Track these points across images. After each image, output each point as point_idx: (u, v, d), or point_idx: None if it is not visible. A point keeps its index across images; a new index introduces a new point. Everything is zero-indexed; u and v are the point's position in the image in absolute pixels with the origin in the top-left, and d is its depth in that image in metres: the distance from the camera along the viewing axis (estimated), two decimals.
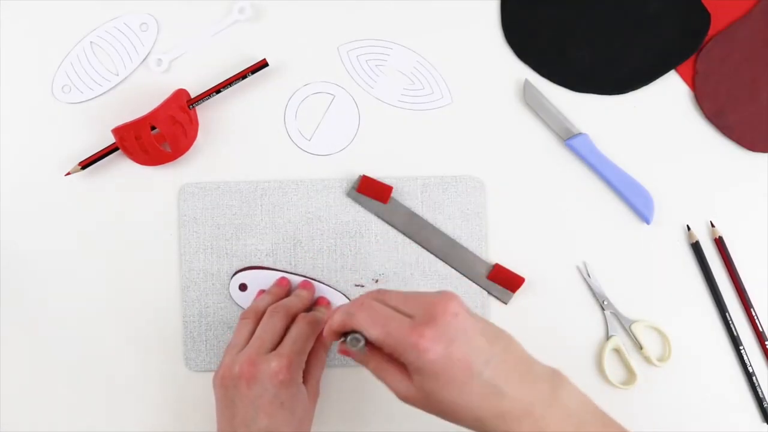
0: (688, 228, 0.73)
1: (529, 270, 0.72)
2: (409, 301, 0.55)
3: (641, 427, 0.71)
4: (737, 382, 0.72)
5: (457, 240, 0.72)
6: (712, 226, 0.73)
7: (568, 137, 0.73)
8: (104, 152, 0.70)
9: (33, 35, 0.72)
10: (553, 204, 0.73)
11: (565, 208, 0.73)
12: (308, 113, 0.73)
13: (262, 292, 0.70)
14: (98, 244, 0.71)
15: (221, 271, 0.71)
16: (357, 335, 0.55)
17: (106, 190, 0.72)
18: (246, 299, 0.70)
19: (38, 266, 0.71)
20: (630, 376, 0.72)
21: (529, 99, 0.73)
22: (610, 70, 0.74)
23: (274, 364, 0.61)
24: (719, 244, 0.73)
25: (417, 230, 0.72)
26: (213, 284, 0.71)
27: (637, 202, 0.72)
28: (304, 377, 0.64)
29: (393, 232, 0.72)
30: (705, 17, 0.73)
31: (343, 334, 0.56)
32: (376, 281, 0.71)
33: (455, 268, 0.72)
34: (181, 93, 0.70)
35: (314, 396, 0.65)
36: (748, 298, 0.72)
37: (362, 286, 0.71)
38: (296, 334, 0.63)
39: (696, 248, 0.72)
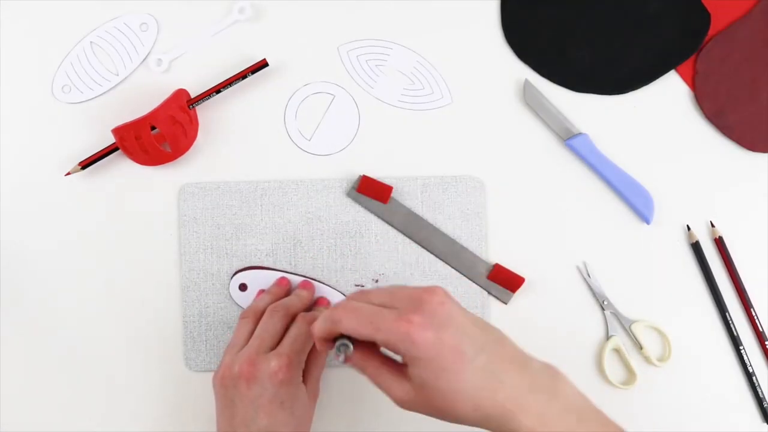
0: (688, 228, 0.73)
1: (529, 270, 0.72)
2: (393, 296, 0.54)
3: (641, 427, 0.71)
4: (737, 382, 0.72)
5: (457, 240, 0.72)
6: (712, 226, 0.73)
7: (568, 137, 0.73)
8: (104, 152, 0.70)
9: (33, 35, 0.72)
10: (553, 204, 0.73)
11: (565, 208, 0.73)
12: (308, 113, 0.73)
13: (261, 292, 0.70)
14: (98, 244, 0.71)
15: (221, 271, 0.71)
16: (344, 341, 0.54)
17: (106, 190, 0.72)
18: (246, 299, 0.70)
19: (38, 266, 0.71)
20: (630, 376, 0.72)
21: (529, 99, 0.73)
22: (610, 70, 0.74)
23: (274, 363, 0.61)
24: (719, 244, 0.73)
25: (417, 230, 0.72)
26: (213, 284, 0.71)
27: (637, 202, 0.72)
28: (303, 377, 0.64)
29: (393, 232, 0.72)
30: (705, 17, 0.73)
31: (333, 341, 0.56)
32: (376, 281, 0.72)
33: (455, 268, 0.72)
34: (181, 93, 0.70)
35: (314, 395, 0.65)
36: (748, 298, 0.72)
37: (362, 286, 0.71)
38: (296, 334, 0.63)
39: (696, 248, 0.72)
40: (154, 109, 0.69)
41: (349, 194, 0.72)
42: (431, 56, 0.73)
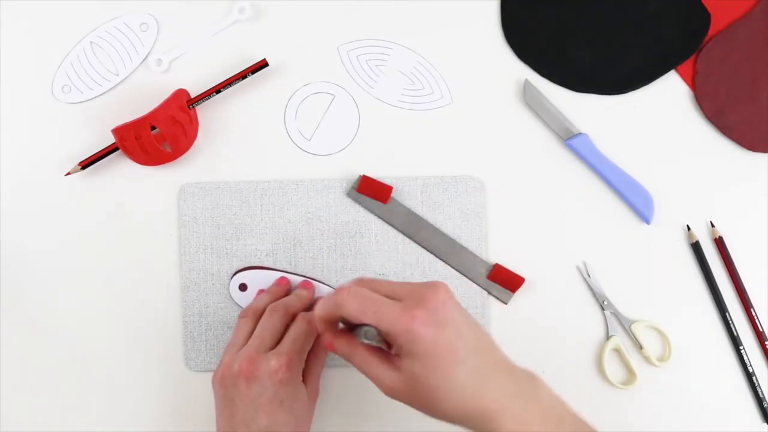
0: (688, 228, 0.73)
1: (529, 270, 0.72)
2: (397, 288, 0.55)
3: (641, 427, 0.71)
4: (737, 382, 0.72)
5: (457, 240, 0.72)
6: (712, 226, 0.73)
7: (568, 137, 0.73)
8: (104, 152, 0.70)
9: (33, 35, 0.72)
10: (553, 204, 0.73)
11: (565, 208, 0.73)
12: (308, 113, 0.73)
13: (261, 291, 0.70)
14: (98, 244, 0.71)
15: (221, 271, 0.71)
16: (368, 327, 0.54)
17: (106, 190, 0.72)
18: (246, 299, 0.70)
19: (38, 266, 0.71)
20: (630, 376, 0.72)
21: (529, 99, 0.73)
22: (610, 70, 0.74)
23: (274, 362, 0.61)
24: (719, 244, 0.73)
25: (417, 230, 0.72)
26: (213, 284, 0.71)
27: (637, 202, 0.72)
28: (303, 376, 0.64)
29: (393, 232, 0.72)
30: (705, 17, 0.73)
31: (350, 328, 0.57)
32: None
33: (455, 268, 0.72)
34: (181, 93, 0.70)
35: (314, 395, 0.65)
36: (748, 298, 0.72)
37: None
38: (296, 333, 0.63)
39: (696, 248, 0.72)
40: (154, 109, 0.69)
41: (349, 194, 0.72)
42: (431, 56, 0.73)
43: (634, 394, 0.71)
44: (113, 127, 0.69)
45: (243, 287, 0.70)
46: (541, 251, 0.72)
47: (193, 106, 0.71)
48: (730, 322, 0.72)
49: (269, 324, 0.64)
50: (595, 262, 0.72)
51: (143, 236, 0.71)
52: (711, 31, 0.73)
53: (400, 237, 0.72)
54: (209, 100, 0.71)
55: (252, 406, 0.61)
